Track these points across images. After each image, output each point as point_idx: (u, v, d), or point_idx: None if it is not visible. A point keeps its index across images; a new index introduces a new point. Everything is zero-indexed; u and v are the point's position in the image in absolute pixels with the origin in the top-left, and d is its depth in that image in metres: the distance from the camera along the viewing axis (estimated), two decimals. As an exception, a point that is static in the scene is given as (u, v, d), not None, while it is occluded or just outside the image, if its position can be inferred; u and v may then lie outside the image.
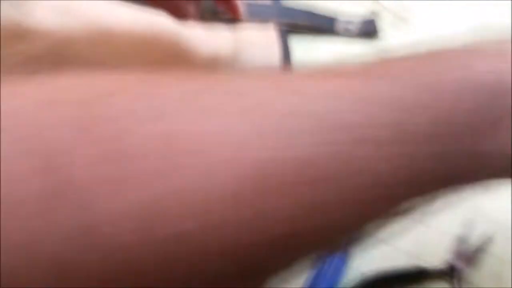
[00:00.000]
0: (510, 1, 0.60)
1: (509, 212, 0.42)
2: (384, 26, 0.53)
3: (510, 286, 0.37)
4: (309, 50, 0.50)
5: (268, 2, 0.51)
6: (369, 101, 0.17)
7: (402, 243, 0.38)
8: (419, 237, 0.39)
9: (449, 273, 0.37)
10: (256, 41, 0.46)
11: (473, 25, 0.51)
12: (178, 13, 0.39)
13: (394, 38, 0.53)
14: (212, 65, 0.43)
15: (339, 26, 0.51)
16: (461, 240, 0.39)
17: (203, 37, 0.44)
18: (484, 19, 0.52)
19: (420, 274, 0.36)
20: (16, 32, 0.49)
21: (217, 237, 0.14)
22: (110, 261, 0.13)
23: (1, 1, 0.53)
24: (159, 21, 0.42)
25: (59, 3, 0.54)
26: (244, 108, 0.15)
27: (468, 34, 0.21)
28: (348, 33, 0.51)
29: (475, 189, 0.23)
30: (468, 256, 0.38)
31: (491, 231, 0.40)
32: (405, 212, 0.20)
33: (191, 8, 0.38)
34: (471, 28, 0.27)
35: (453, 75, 0.18)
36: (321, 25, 0.52)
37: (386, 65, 0.19)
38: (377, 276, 0.35)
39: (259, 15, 0.48)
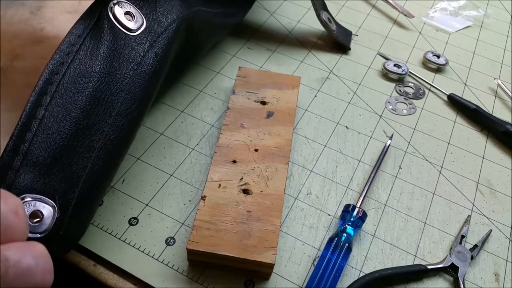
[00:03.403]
0: None
1: (508, 211, 0.42)
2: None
3: (510, 286, 0.37)
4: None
5: None
6: None
7: (402, 242, 0.39)
8: (419, 235, 0.39)
9: (449, 271, 0.37)
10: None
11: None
12: None
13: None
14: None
15: (323, 15, 0.53)
16: (461, 239, 0.39)
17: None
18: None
19: (420, 273, 0.37)
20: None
21: None
22: None
23: (20, 6, 0.54)
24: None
25: (72, 3, 0.54)
26: None
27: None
28: (327, 25, 0.53)
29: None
30: (468, 255, 0.38)
31: (490, 231, 0.40)
32: None
33: None
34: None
35: None
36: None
37: None
38: (377, 275, 0.35)
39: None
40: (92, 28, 0.34)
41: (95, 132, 0.32)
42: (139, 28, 0.36)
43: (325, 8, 0.55)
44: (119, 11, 0.36)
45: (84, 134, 0.31)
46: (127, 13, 0.36)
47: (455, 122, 0.50)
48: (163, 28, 0.37)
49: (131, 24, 0.36)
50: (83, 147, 0.31)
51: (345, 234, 0.36)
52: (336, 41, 0.55)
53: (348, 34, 0.57)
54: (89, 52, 0.33)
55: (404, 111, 0.50)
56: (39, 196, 0.29)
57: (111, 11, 0.35)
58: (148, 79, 0.36)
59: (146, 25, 0.37)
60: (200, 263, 0.35)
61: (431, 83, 0.53)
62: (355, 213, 0.38)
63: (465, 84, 0.54)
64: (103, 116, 0.33)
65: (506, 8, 0.68)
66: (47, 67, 0.32)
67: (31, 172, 0.29)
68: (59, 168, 0.30)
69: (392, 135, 0.46)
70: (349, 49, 0.56)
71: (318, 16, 0.53)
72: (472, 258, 0.38)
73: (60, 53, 0.32)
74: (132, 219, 0.37)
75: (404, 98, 0.51)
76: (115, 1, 0.36)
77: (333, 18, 0.56)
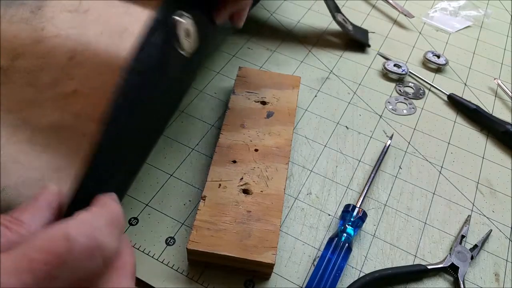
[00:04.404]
0: None
1: (508, 211, 0.42)
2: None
3: (510, 286, 0.37)
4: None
5: None
6: None
7: (402, 242, 0.39)
8: (419, 235, 0.39)
9: (449, 271, 0.37)
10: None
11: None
12: None
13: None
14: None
15: (338, 17, 0.54)
16: (461, 239, 0.39)
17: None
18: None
19: (420, 273, 0.37)
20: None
21: None
22: None
23: (21, 6, 0.53)
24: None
25: (72, 2, 0.54)
26: None
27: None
28: (343, 25, 0.54)
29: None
30: (468, 255, 0.38)
31: (490, 231, 0.40)
32: None
33: None
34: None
35: None
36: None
37: None
38: (377, 275, 0.35)
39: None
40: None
41: (135, 147, 0.31)
42: (191, 49, 0.34)
43: (338, 10, 0.56)
44: (181, 27, 0.33)
45: (128, 149, 0.30)
46: (186, 31, 0.34)
47: (455, 122, 0.50)
48: (203, 54, 0.37)
49: (186, 45, 0.34)
50: (125, 161, 0.31)
51: (345, 234, 0.36)
52: (354, 39, 0.56)
53: (364, 33, 0.59)
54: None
55: (404, 111, 0.50)
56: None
57: (174, 25, 0.32)
58: (178, 98, 0.36)
59: (196, 48, 0.35)
60: (200, 263, 0.35)
61: (431, 83, 0.53)
62: (355, 213, 0.38)
63: (465, 84, 0.54)
64: (145, 132, 0.32)
65: (506, 8, 0.68)
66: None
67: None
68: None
69: (392, 135, 0.46)
70: (369, 46, 0.57)
71: (334, 18, 0.54)
72: (472, 258, 0.38)
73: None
74: (132, 219, 0.37)
75: (404, 98, 0.51)
76: (179, 14, 0.33)
77: (348, 19, 0.57)
